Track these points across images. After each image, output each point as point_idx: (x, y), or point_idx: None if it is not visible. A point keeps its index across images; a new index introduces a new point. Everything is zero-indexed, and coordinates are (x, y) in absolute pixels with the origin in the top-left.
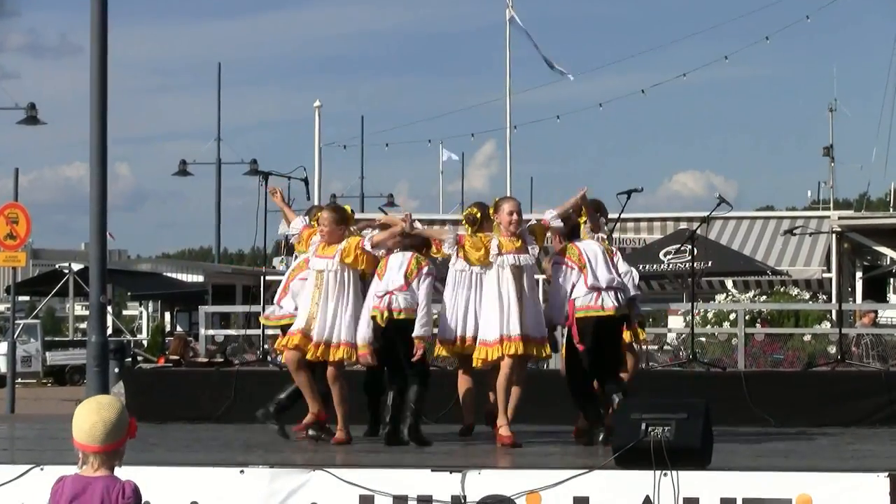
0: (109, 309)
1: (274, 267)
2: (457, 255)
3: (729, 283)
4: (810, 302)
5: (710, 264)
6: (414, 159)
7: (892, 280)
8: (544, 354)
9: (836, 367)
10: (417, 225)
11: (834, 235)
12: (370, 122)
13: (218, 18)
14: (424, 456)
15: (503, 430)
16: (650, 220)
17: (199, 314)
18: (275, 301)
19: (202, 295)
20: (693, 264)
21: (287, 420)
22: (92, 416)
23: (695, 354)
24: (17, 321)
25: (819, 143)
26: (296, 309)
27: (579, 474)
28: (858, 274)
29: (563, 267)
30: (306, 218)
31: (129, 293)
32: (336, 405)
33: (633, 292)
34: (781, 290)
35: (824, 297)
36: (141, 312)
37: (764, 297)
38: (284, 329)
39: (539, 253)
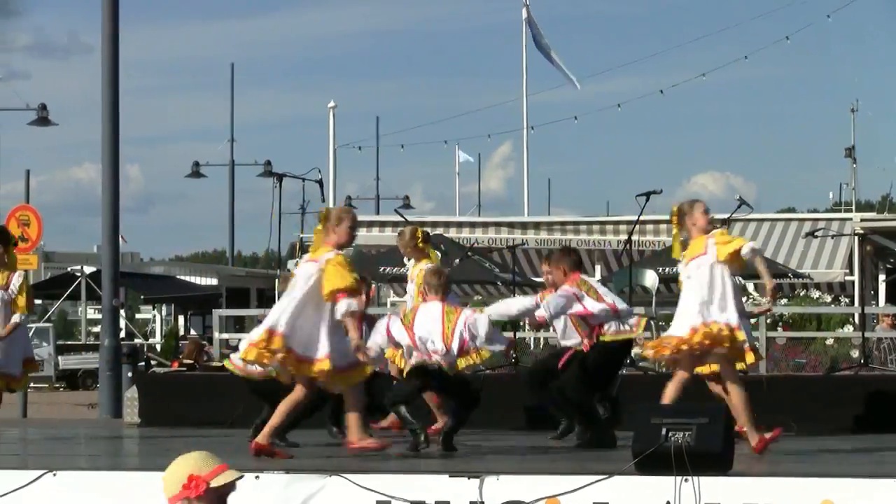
0: (122, 312)
1: (288, 270)
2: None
3: (750, 286)
4: (832, 305)
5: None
6: (430, 160)
7: None
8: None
9: (858, 371)
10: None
11: (856, 238)
12: (385, 122)
13: (230, 18)
14: (442, 461)
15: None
16: (669, 222)
17: (213, 317)
18: None
19: (216, 298)
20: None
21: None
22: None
23: None
24: (29, 325)
25: (841, 144)
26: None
27: (599, 480)
28: (881, 276)
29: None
30: None
31: (142, 296)
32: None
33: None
34: (803, 293)
35: (846, 300)
36: (154, 316)
37: (785, 300)
38: None
39: None
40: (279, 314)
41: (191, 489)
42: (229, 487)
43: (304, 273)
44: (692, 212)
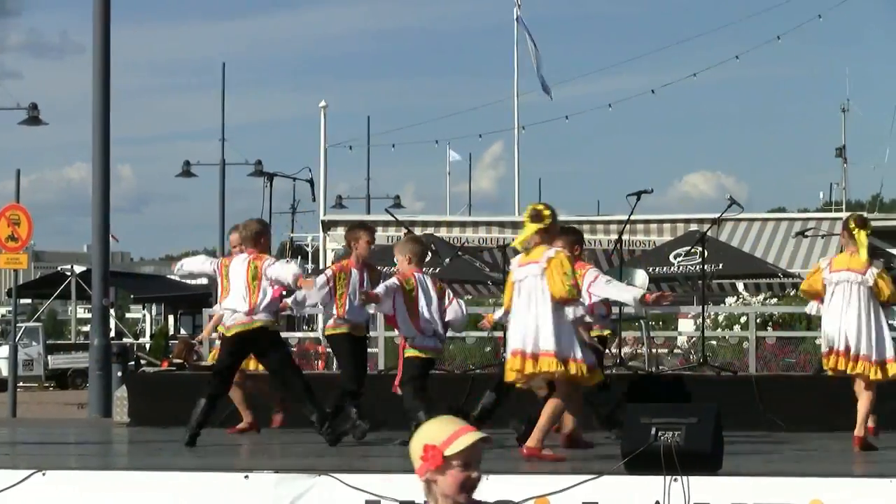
0: (112, 312)
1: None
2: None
3: (740, 285)
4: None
5: (720, 267)
6: (421, 160)
7: None
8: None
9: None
10: None
11: None
12: (376, 122)
13: (222, 19)
14: None
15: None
16: (660, 221)
17: (203, 317)
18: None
19: (206, 297)
20: (704, 267)
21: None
22: None
23: (705, 358)
24: (18, 324)
25: (832, 143)
26: None
27: (588, 479)
28: None
29: None
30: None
31: (132, 296)
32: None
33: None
34: (793, 292)
35: None
36: (144, 315)
37: (775, 299)
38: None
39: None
40: (528, 332)
41: (428, 461)
42: (472, 452)
43: (527, 279)
44: (863, 228)
